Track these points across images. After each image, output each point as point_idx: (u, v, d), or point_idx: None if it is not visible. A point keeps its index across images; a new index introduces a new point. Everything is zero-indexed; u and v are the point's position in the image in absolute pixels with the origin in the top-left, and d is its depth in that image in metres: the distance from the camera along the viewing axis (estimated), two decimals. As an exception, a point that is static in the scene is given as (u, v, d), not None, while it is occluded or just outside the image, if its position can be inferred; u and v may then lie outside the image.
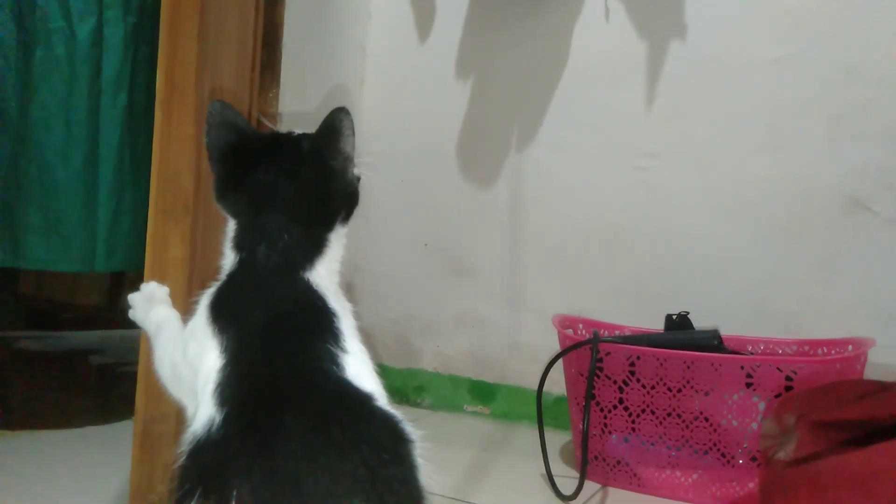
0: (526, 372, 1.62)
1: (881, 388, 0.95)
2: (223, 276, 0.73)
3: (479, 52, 1.71)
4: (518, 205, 1.66)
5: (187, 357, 0.69)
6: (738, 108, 1.45)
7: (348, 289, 1.82)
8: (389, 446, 0.59)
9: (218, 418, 0.59)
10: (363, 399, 0.63)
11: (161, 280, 0.92)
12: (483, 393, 1.68)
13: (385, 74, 1.82)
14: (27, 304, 2.32)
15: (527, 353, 1.62)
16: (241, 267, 0.72)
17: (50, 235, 1.30)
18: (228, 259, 0.74)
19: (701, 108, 1.49)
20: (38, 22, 1.29)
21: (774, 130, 1.42)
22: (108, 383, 1.82)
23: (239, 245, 0.73)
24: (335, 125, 0.74)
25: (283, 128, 1.49)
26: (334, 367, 0.64)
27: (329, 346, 0.66)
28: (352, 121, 0.74)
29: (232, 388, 0.62)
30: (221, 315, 0.68)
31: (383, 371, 1.77)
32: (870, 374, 1.16)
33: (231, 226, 0.75)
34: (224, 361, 0.64)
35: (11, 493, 1.07)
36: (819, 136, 1.39)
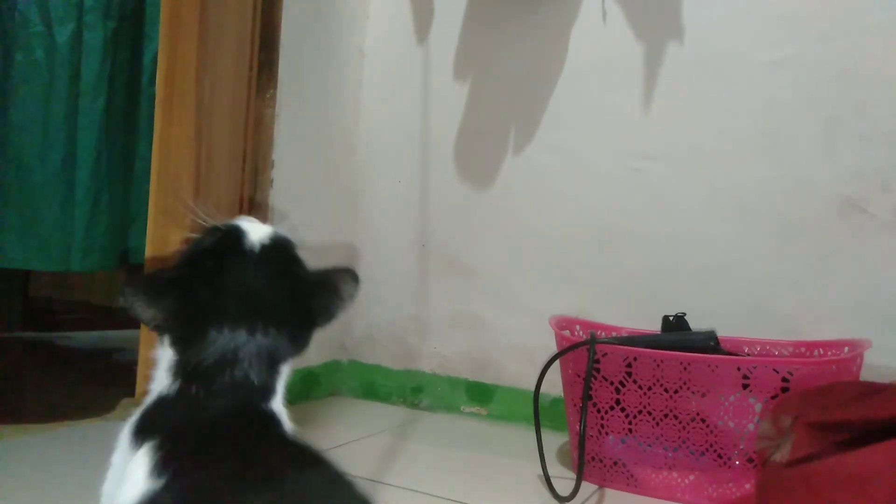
0: (523, 373, 1.62)
1: (877, 389, 0.96)
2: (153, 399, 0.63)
3: (476, 54, 1.71)
4: (515, 206, 1.67)
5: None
6: (735, 110, 1.46)
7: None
8: (342, 472, 0.57)
9: (156, 487, 0.53)
10: (315, 450, 0.60)
11: None
12: (480, 394, 1.69)
13: (383, 75, 1.82)
14: (49, 306, 2.35)
15: (524, 354, 1.62)
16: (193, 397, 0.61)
17: (27, 235, 1.31)
18: (172, 387, 0.61)
19: (697, 110, 1.49)
20: (17, 26, 1.29)
21: (770, 132, 1.43)
22: (124, 378, 1.85)
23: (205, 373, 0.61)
24: (345, 293, 0.70)
25: (281, 125, 1.51)
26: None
27: (277, 432, 0.62)
28: (358, 290, 0.70)
29: (171, 459, 0.54)
30: (147, 427, 0.59)
31: (381, 372, 1.79)
32: (866, 375, 1.17)
33: (174, 350, 0.62)
34: (157, 442, 0.56)
35: (45, 477, 1.10)
36: (815, 138, 1.39)
